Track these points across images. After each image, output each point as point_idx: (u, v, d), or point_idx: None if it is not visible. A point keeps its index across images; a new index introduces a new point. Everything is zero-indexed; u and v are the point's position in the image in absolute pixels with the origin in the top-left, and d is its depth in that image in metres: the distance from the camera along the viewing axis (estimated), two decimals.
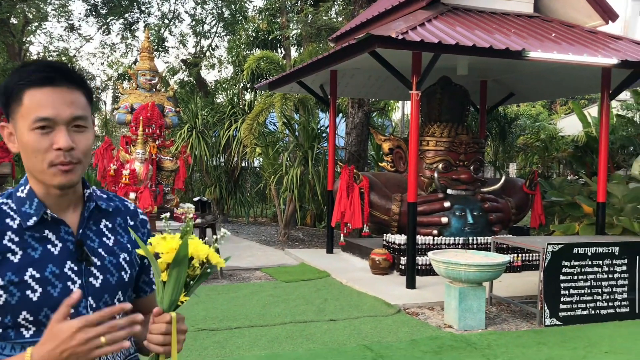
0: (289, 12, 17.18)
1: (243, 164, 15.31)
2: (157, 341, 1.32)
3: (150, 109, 10.11)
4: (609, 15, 8.90)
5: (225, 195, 14.88)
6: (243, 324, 5.91)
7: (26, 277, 1.30)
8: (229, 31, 21.70)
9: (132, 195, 8.36)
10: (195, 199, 9.49)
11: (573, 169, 14.22)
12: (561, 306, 6.17)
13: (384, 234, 9.04)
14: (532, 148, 15.94)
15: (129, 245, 1.49)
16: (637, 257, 6.53)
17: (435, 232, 8.59)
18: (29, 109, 1.30)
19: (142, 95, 10.49)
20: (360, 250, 9.61)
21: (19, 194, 1.37)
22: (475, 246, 8.44)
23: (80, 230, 1.41)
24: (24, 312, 1.30)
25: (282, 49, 17.77)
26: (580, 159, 13.29)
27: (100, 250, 1.43)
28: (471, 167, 9.06)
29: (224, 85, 19.11)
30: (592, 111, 14.67)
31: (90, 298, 1.38)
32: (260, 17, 18.60)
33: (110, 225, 1.48)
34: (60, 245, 1.36)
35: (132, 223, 1.53)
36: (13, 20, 21.02)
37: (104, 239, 1.45)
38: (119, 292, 1.45)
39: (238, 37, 18.75)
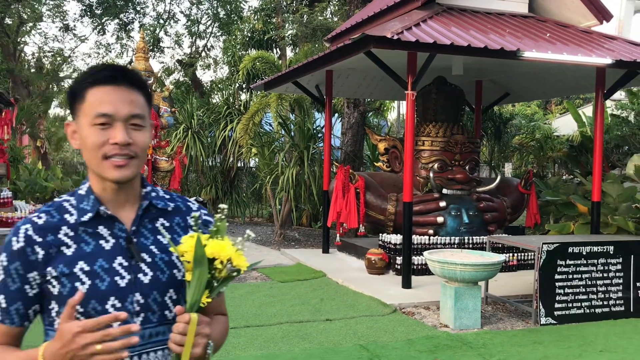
0: (285, 12, 17.18)
1: (239, 164, 15.30)
2: (175, 340, 1.33)
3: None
4: (603, 15, 8.93)
5: (221, 195, 14.86)
6: (239, 324, 5.91)
7: (76, 270, 1.37)
8: (225, 31, 21.68)
9: None
10: (191, 199, 9.47)
11: (568, 168, 14.26)
12: (556, 305, 6.19)
13: (380, 234, 9.05)
14: (527, 148, 15.97)
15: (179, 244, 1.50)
16: (632, 256, 6.56)
17: (431, 231, 8.61)
18: (91, 106, 1.39)
19: None
20: (356, 250, 9.62)
21: (80, 191, 1.46)
22: (470, 246, 8.46)
23: (134, 227, 1.45)
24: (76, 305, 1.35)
25: (278, 49, 17.76)
26: (575, 158, 13.33)
27: (152, 247, 1.45)
28: (467, 167, 9.09)
29: (219, 86, 19.09)
30: (587, 111, 14.71)
31: (137, 294, 1.40)
32: (256, 17, 18.59)
33: (167, 224, 1.50)
34: (112, 241, 1.42)
35: (183, 223, 1.54)
36: (7, 21, 20.94)
37: (159, 237, 1.47)
38: (171, 290, 1.46)
39: (233, 37, 18.73)
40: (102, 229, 1.41)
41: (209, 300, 1.36)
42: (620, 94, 13.45)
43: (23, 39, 23.45)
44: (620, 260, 6.50)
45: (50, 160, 22.91)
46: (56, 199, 1.47)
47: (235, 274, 1.38)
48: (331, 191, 9.32)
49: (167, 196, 1.55)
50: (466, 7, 8.70)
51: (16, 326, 1.38)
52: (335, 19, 15.44)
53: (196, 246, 1.32)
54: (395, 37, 6.74)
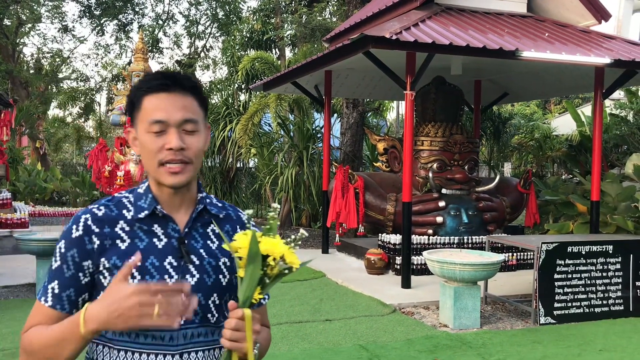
0: (283, 12, 17.18)
1: (238, 165, 15.30)
2: (225, 336, 1.33)
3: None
4: (602, 14, 8.93)
5: (221, 196, 14.86)
6: None
7: (128, 263, 1.38)
8: (223, 32, 21.70)
9: None
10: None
11: (567, 168, 14.27)
12: (556, 305, 6.19)
13: (379, 234, 9.05)
14: (526, 147, 15.98)
15: (227, 252, 1.53)
16: (631, 255, 6.56)
17: (430, 231, 8.61)
18: (146, 113, 1.44)
19: None
20: (355, 250, 9.62)
21: (138, 190, 1.51)
22: (470, 245, 8.46)
23: (186, 230, 1.48)
24: None
25: (277, 49, 17.76)
26: (574, 158, 13.34)
27: (201, 251, 1.48)
28: (466, 167, 9.09)
29: (218, 86, 19.08)
30: (586, 110, 14.72)
31: (183, 294, 1.40)
32: (255, 18, 18.59)
33: (217, 231, 1.53)
34: (165, 240, 1.45)
35: (245, 220, 1.59)
36: (6, 22, 20.94)
37: (208, 242, 1.51)
38: (215, 295, 1.48)
39: (232, 37, 18.74)
40: (156, 228, 1.46)
41: (261, 296, 1.37)
42: (619, 94, 13.46)
43: (22, 40, 23.44)
44: (620, 259, 6.50)
45: (49, 161, 22.90)
46: (116, 195, 1.52)
47: (287, 271, 1.39)
48: (330, 191, 9.32)
49: (220, 204, 1.60)
50: (465, 7, 8.71)
51: (65, 312, 1.40)
52: (334, 19, 15.45)
53: (251, 242, 1.33)
54: (394, 37, 6.75)
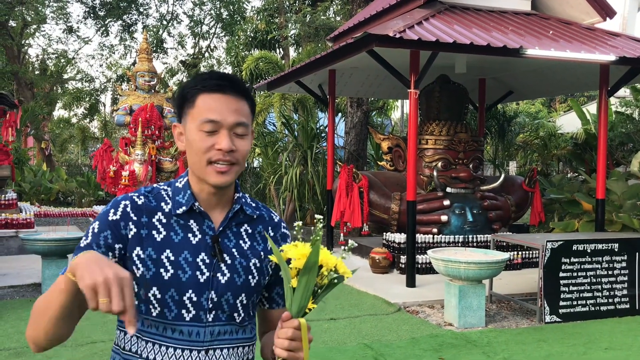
0: (287, 12, 17.19)
1: None
2: (282, 346, 1.34)
3: (150, 110, 10.11)
4: (606, 12, 8.90)
5: None
6: None
7: (162, 257, 1.42)
8: (228, 32, 21.73)
9: None
10: None
11: (572, 166, 14.22)
12: (561, 303, 6.17)
13: (384, 233, 9.04)
14: (531, 146, 15.94)
15: (262, 253, 1.54)
16: (637, 253, 6.53)
17: (435, 230, 8.59)
18: (200, 111, 1.44)
19: (141, 97, 10.47)
20: (360, 249, 9.61)
21: (177, 184, 1.51)
22: (475, 244, 8.44)
23: (221, 228, 1.49)
24: (154, 288, 1.41)
25: (281, 49, 17.77)
26: (579, 156, 13.29)
27: (233, 250, 1.50)
28: (470, 165, 9.07)
29: None
30: (591, 108, 14.67)
31: (213, 292, 1.44)
32: (259, 18, 18.61)
33: (250, 231, 1.54)
34: (199, 236, 1.46)
35: (272, 234, 1.59)
36: (12, 23, 21.02)
37: (241, 242, 1.52)
38: (243, 295, 1.50)
39: (236, 37, 18.75)
40: (192, 223, 1.47)
41: (315, 306, 1.40)
42: (624, 91, 13.42)
43: (27, 41, 23.53)
44: (625, 257, 6.48)
45: (54, 162, 22.98)
46: (155, 185, 1.53)
47: (336, 280, 1.43)
48: (335, 190, 9.32)
49: (254, 204, 1.61)
50: (469, 5, 8.69)
51: None
52: (338, 19, 15.44)
53: (312, 254, 1.36)
54: (398, 35, 6.74)
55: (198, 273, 1.43)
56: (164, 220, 1.45)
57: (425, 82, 8.33)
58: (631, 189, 8.73)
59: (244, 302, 1.50)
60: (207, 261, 1.45)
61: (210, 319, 1.44)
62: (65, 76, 26.70)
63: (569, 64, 8.82)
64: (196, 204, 1.47)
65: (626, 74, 8.14)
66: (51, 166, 21.37)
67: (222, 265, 1.46)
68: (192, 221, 1.47)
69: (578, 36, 8.13)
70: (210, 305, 1.44)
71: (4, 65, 22.01)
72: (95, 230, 1.42)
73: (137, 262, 1.41)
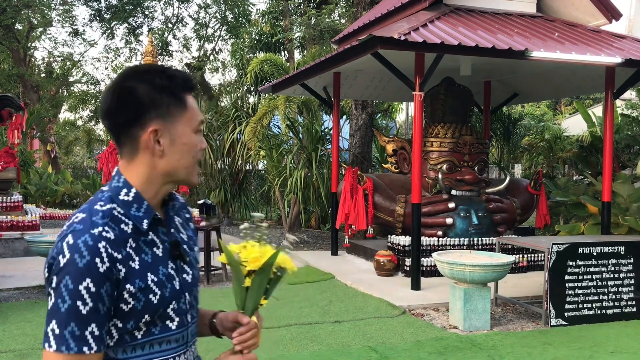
0: (292, 14, 17.21)
1: (247, 167, 15.32)
2: (245, 344, 1.48)
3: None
4: (612, 14, 8.87)
5: (230, 198, 14.89)
6: None
7: (149, 282, 1.33)
8: (233, 34, 21.78)
9: None
10: (200, 201, 9.50)
11: (578, 168, 14.17)
12: (567, 306, 6.14)
13: (389, 236, 9.03)
14: (536, 148, 15.89)
15: (193, 240, 1.54)
16: None
17: (439, 233, 8.57)
18: (194, 112, 1.41)
19: None
20: (364, 252, 9.60)
21: (122, 197, 1.36)
22: (480, 247, 8.41)
23: (172, 230, 1.45)
24: (146, 316, 1.33)
25: (286, 51, 17.80)
26: (585, 158, 13.24)
27: (184, 246, 1.48)
28: (475, 168, 9.05)
29: (227, 89, 19.17)
30: (597, 111, 14.61)
31: (187, 293, 1.44)
32: (264, 20, 18.64)
33: (180, 221, 1.51)
34: (161, 246, 1.40)
35: (187, 216, 1.56)
36: (18, 26, 21.12)
37: (181, 234, 1.49)
38: (198, 284, 1.52)
39: (241, 40, 18.79)
40: (152, 235, 1.38)
41: (266, 301, 1.49)
42: (630, 94, 13.35)
43: (33, 44, 23.64)
44: (632, 260, 6.44)
45: (60, 164, 23.06)
46: (97, 207, 1.34)
47: (279, 273, 1.48)
48: (339, 193, 9.31)
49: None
50: (474, 7, 8.67)
51: (104, 349, 1.31)
52: (343, 21, 15.45)
53: (271, 257, 1.42)
54: (403, 37, 6.73)
55: (174, 282, 1.39)
56: (134, 245, 1.33)
57: (430, 84, 8.31)
58: (637, 192, 8.69)
59: (198, 292, 1.51)
60: (175, 266, 1.41)
61: (189, 320, 1.44)
62: (71, 79, 26.80)
63: (574, 66, 8.79)
64: (156, 213, 1.39)
65: (632, 77, 8.10)
66: (57, 168, 21.44)
67: (184, 265, 1.45)
68: (151, 233, 1.38)
69: (584, 38, 8.10)
70: (188, 307, 1.44)
71: (10, 68, 22.12)
72: (93, 289, 1.24)
73: (128, 298, 1.29)
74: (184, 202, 1.58)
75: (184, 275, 1.44)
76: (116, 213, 1.34)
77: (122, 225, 1.33)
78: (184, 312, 1.42)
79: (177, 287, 1.40)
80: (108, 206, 1.34)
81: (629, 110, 12.96)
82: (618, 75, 8.21)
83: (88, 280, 1.24)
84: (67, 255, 1.24)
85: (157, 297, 1.34)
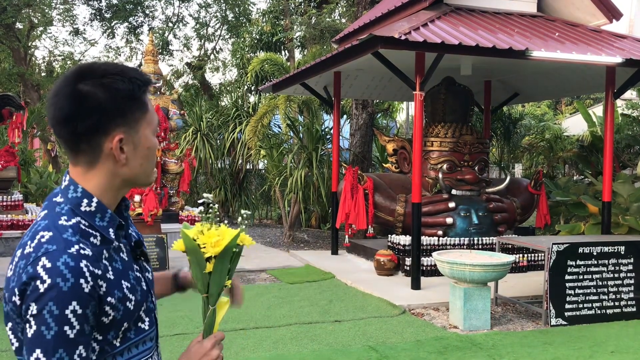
0: (293, 14, 17.20)
1: (248, 166, 15.33)
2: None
3: (155, 111, 10.13)
4: (613, 14, 8.87)
5: (230, 197, 14.90)
6: (248, 325, 5.92)
7: (124, 290, 1.29)
8: (233, 34, 21.76)
9: (137, 197, 8.38)
10: (200, 201, 9.51)
11: (578, 168, 14.16)
12: (567, 306, 6.14)
13: (389, 235, 9.03)
14: (537, 148, 15.88)
15: (138, 233, 1.50)
16: None
17: (440, 232, 8.57)
18: (152, 114, 1.37)
19: None
20: (365, 252, 9.60)
21: (84, 208, 1.29)
22: (480, 246, 8.42)
23: (130, 230, 1.41)
24: (125, 323, 1.30)
25: (286, 51, 17.79)
26: (585, 158, 13.23)
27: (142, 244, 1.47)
28: (476, 168, 9.05)
29: (228, 88, 19.16)
30: (598, 111, 14.60)
31: (152, 291, 1.43)
32: (264, 20, 18.64)
33: (126, 215, 1.45)
34: (125, 250, 1.36)
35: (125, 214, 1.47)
36: (18, 25, 21.12)
37: (133, 232, 1.45)
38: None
39: (242, 39, 18.78)
40: (117, 242, 1.34)
41: (230, 282, 1.47)
42: (630, 93, 13.35)
43: (34, 43, 23.63)
44: (632, 260, 6.44)
45: (60, 163, 23.06)
46: (63, 223, 1.26)
47: (236, 249, 1.47)
48: (340, 192, 9.31)
49: None
50: (474, 7, 8.67)
51: None
52: (343, 21, 15.44)
53: (232, 239, 1.41)
54: (403, 37, 6.73)
55: (142, 283, 1.37)
56: (107, 255, 1.28)
57: (430, 84, 8.32)
58: (637, 192, 8.69)
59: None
60: (139, 267, 1.39)
61: (156, 317, 1.43)
62: None
63: (575, 66, 8.80)
64: (120, 220, 1.35)
65: (633, 76, 8.10)
66: (57, 168, 21.44)
67: (145, 263, 1.43)
68: (115, 240, 1.34)
69: (584, 38, 8.10)
70: (154, 305, 1.43)
71: (10, 67, 22.12)
72: (80, 311, 1.18)
73: (109, 309, 1.24)
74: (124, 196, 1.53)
75: (147, 274, 1.42)
76: (83, 227, 1.27)
77: (92, 239, 1.27)
78: (152, 311, 1.40)
79: (145, 288, 1.37)
80: (73, 220, 1.27)
81: (629, 110, 12.96)
82: (618, 75, 8.21)
83: (74, 303, 1.17)
84: (48, 280, 1.16)
85: (132, 302, 1.30)
